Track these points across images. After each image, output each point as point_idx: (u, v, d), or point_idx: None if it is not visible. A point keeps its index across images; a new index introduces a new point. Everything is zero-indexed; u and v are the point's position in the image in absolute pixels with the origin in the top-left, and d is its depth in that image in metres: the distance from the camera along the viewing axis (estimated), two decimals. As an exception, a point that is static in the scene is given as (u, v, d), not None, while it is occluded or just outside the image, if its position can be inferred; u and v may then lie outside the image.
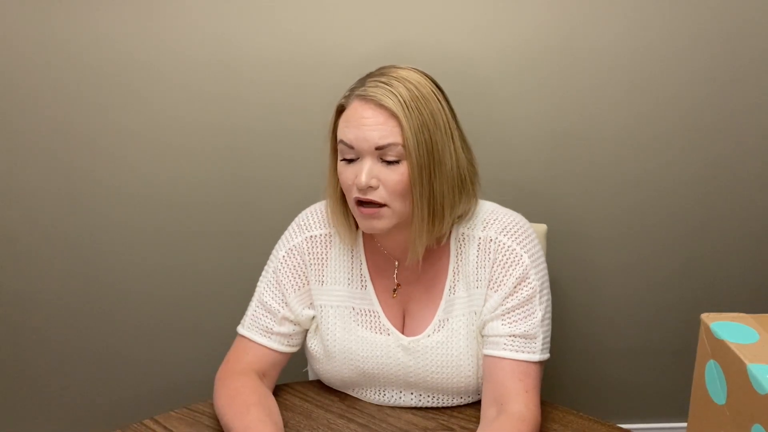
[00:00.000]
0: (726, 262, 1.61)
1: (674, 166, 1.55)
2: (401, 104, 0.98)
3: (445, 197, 1.02)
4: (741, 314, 0.75)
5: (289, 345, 1.14)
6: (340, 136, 1.02)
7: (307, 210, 1.17)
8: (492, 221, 1.09)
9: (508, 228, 1.08)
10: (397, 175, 0.99)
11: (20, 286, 1.57)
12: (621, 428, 1.08)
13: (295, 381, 1.23)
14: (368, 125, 0.99)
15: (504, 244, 1.06)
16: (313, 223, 1.14)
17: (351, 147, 1.00)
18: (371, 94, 0.99)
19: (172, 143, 1.50)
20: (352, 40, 1.45)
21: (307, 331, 1.16)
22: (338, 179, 1.05)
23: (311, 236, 1.13)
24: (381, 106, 0.98)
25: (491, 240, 1.07)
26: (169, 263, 1.57)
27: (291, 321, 1.13)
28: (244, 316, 1.15)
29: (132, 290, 1.59)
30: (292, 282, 1.13)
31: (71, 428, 1.67)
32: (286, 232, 1.16)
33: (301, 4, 1.43)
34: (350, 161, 1.01)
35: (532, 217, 1.26)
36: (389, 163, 0.99)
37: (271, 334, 1.12)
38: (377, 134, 0.98)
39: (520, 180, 1.54)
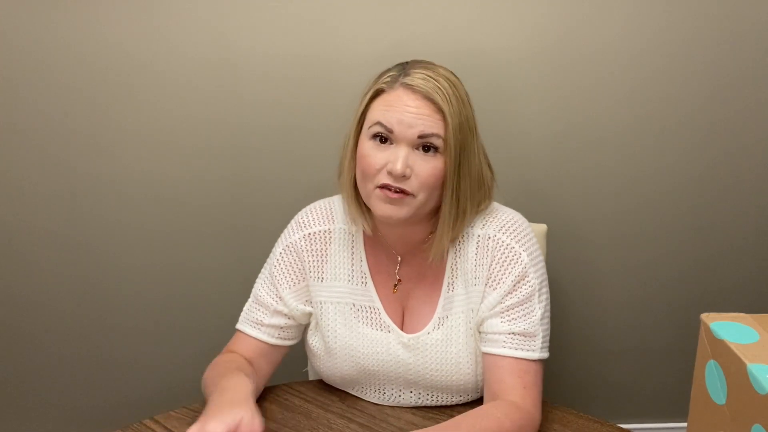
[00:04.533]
0: (726, 262, 1.61)
1: (675, 167, 1.55)
2: (447, 101, 0.99)
3: (468, 198, 1.04)
4: (741, 314, 0.75)
5: (281, 338, 1.14)
6: (377, 118, 1.00)
7: (307, 208, 1.17)
8: (491, 219, 1.09)
9: (506, 226, 1.08)
10: (432, 167, 1.00)
11: (18, 287, 1.57)
12: (621, 428, 1.08)
13: (295, 381, 1.23)
14: (414, 113, 0.99)
15: (503, 242, 1.07)
16: (311, 220, 1.14)
17: (390, 131, 0.99)
18: (420, 85, 0.99)
19: (172, 142, 1.50)
20: (357, 38, 1.45)
21: (301, 326, 1.16)
22: (356, 166, 1.04)
23: (309, 234, 1.13)
24: (428, 98, 0.99)
25: (490, 237, 1.07)
26: (169, 263, 1.57)
27: (284, 314, 1.13)
28: (242, 312, 1.17)
29: (132, 289, 1.59)
30: (287, 279, 1.13)
31: (71, 428, 1.67)
32: (285, 230, 1.17)
33: (304, 1, 1.43)
34: (382, 143, 1.01)
35: (532, 217, 1.26)
36: (425, 152, 1.00)
37: (262, 325, 1.13)
38: (423, 122, 0.99)
39: (520, 180, 1.54)
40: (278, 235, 1.18)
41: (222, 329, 1.32)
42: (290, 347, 1.17)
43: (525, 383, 1.03)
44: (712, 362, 0.72)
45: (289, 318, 1.14)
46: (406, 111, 0.99)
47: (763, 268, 1.62)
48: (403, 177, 0.99)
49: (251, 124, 1.49)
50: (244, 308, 1.17)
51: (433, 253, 1.07)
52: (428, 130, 0.99)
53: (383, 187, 1.00)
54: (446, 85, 1.00)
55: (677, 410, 1.71)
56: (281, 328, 1.14)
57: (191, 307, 1.60)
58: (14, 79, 1.45)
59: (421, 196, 1.01)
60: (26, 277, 1.57)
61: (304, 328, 1.18)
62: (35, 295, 1.58)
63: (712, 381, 0.72)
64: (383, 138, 1.01)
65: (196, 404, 1.14)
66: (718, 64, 1.49)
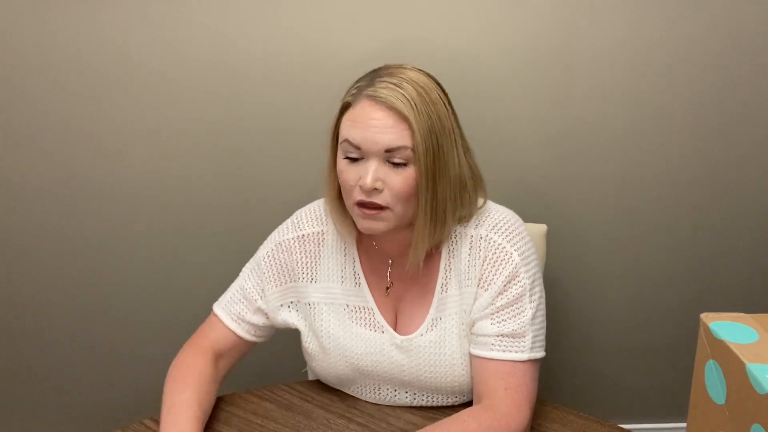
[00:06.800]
0: (726, 262, 1.61)
1: (674, 167, 1.55)
2: (412, 107, 0.96)
3: (448, 202, 1.02)
4: (741, 314, 0.75)
5: (255, 336, 1.15)
6: (345, 134, 1.00)
7: (303, 209, 1.17)
8: (484, 219, 1.08)
9: (498, 225, 1.07)
10: (403, 178, 0.98)
11: (19, 286, 1.57)
12: (621, 428, 1.08)
13: (295, 381, 1.23)
14: (378, 127, 0.97)
15: (494, 241, 1.06)
16: (306, 221, 1.14)
17: (357, 147, 0.98)
18: (382, 95, 0.97)
19: (171, 142, 1.50)
20: (353, 39, 1.45)
21: (272, 329, 1.17)
22: (337, 178, 1.04)
23: (302, 235, 1.13)
24: (392, 108, 0.97)
25: (482, 238, 1.06)
26: (169, 262, 1.58)
27: (263, 314, 1.14)
28: (223, 295, 1.17)
29: (131, 289, 1.59)
30: (273, 276, 1.13)
31: (71, 428, 1.67)
32: (279, 227, 1.17)
33: (301, 2, 1.43)
34: (353, 161, 1.00)
35: (532, 218, 1.26)
36: (395, 165, 0.98)
37: (242, 321, 1.14)
38: (387, 137, 0.97)
39: (520, 180, 1.54)
40: None
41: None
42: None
43: (507, 385, 1.02)
44: (711, 362, 0.72)
45: (267, 318, 1.14)
46: (370, 125, 0.97)
47: (763, 268, 1.62)
48: (375, 190, 0.98)
49: (251, 124, 1.49)
50: (227, 295, 1.16)
51: (409, 262, 1.06)
52: (394, 144, 0.97)
53: (359, 204, 1.00)
54: (411, 89, 0.97)
55: (677, 410, 1.71)
56: (258, 327, 1.15)
57: (191, 305, 1.60)
58: (15, 80, 1.45)
59: (398, 209, 1.00)
60: (27, 276, 1.57)
61: (298, 333, 1.17)
62: (35, 295, 1.58)
63: (712, 381, 0.72)
64: (354, 156, 1.00)
65: (196, 404, 1.14)
66: (718, 65, 1.49)
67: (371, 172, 0.98)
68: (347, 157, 1.00)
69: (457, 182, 1.02)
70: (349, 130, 0.99)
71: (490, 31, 1.46)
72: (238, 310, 1.14)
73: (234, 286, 1.17)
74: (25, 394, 1.65)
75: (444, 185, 1.00)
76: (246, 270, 1.17)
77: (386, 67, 1.02)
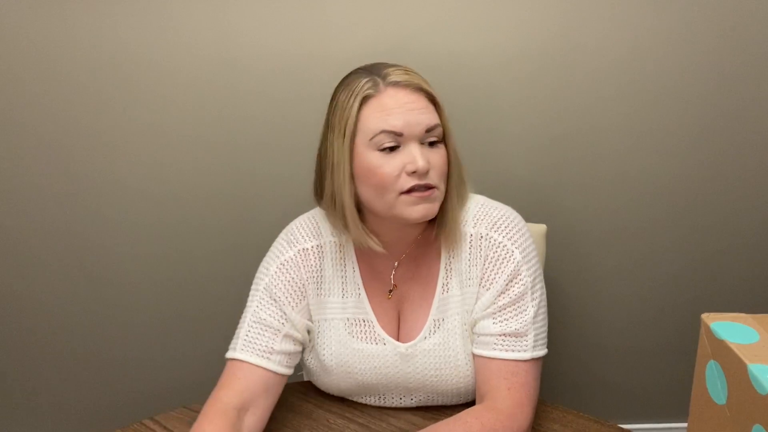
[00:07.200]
0: (726, 262, 1.61)
1: (674, 166, 1.55)
2: (432, 87, 1.02)
3: (461, 177, 1.07)
4: (741, 314, 0.75)
5: (287, 366, 1.07)
6: (380, 126, 0.98)
7: (292, 225, 1.14)
8: (482, 217, 1.08)
9: (498, 223, 1.07)
10: (440, 156, 1.02)
11: (18, 286, 1.57)
12: (621, 428, 1.08)
13: (295, 381, 1.23)
14: (415, 109, 0.99)
15: (495, 240, 1.06)
16: (301, 236, 1.11)
17: (398, 134, 0.98)
18: (405, 80, 1.00)
19: (174, 140, 1.50)
20: (353, 37, 1.45)
21: (300, 354, 1.12)
22: (355, 182, 1.01)
23: (303, 249, 1.10)
24: (419, 89, 1.00)
25: (482, 237, 1.06)
26: (170, 261, 1.57)
27: (293, 338, 1.08)
28: (235, 340, 1.06)
29: (132, 289, 1.59)
30: (288, 297, 1.08)
31: (71, 428, 1.67)
32: (274, 249, 1.12)
33: (304, 1, 1.43)
34: (389, 152, 0.99)
35: (532, 217, 1.26)
36: (431, 145, 1.01)
37: (272, 353, 1.04)
38: (426, 116, 1.00)
39: (520, 180, 1.54)
40: (280, 232, 1.16)
41: (223, 329, 1.32)
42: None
43: (510, 385, 1.01)
44: (712, 362, 0.72)
45: (296, 343, 1.08)
46: (409, 108, 0.99)
47: (763, 268, 1.62)
48: (426, 172, 0.99)
49: (253, 121, 1.49)
50: (241, 335, 1.06)
51: (449, 243, 1.07)
52: (432, 122, 1.00)
53: (409, 191, 0.99)
54: (419, 74, 1.03)
55: (677, 410, 1.71)
56: (289, 354, 1.07)
57: (191, 306, 1.60)
58: (17, 76, 1.44)
59: (441, 187, 1.02)
60: (25, 276, 1.57)
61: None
62: (34, 294, 1.58)
63: (713, 381, 0.72)
64: (392, 145, 0.99)
65: (196, 404, 1.14)
66: (717, 64, 1.49)
67: (419, 154, 0.99)
68: (383, 150, 0.99)
69: (458, 159, 1.07)
70: (384, 119, 0.99)
71: (490, 29, 1.46)
72: (264, 344, 1.04)
73: (245, 326, 1.07)
74: (25, 394, 1.65)
75: (458, 160, 1.06)
76: (252, 304, 1.08)
77: (375, 64, 1.05)
